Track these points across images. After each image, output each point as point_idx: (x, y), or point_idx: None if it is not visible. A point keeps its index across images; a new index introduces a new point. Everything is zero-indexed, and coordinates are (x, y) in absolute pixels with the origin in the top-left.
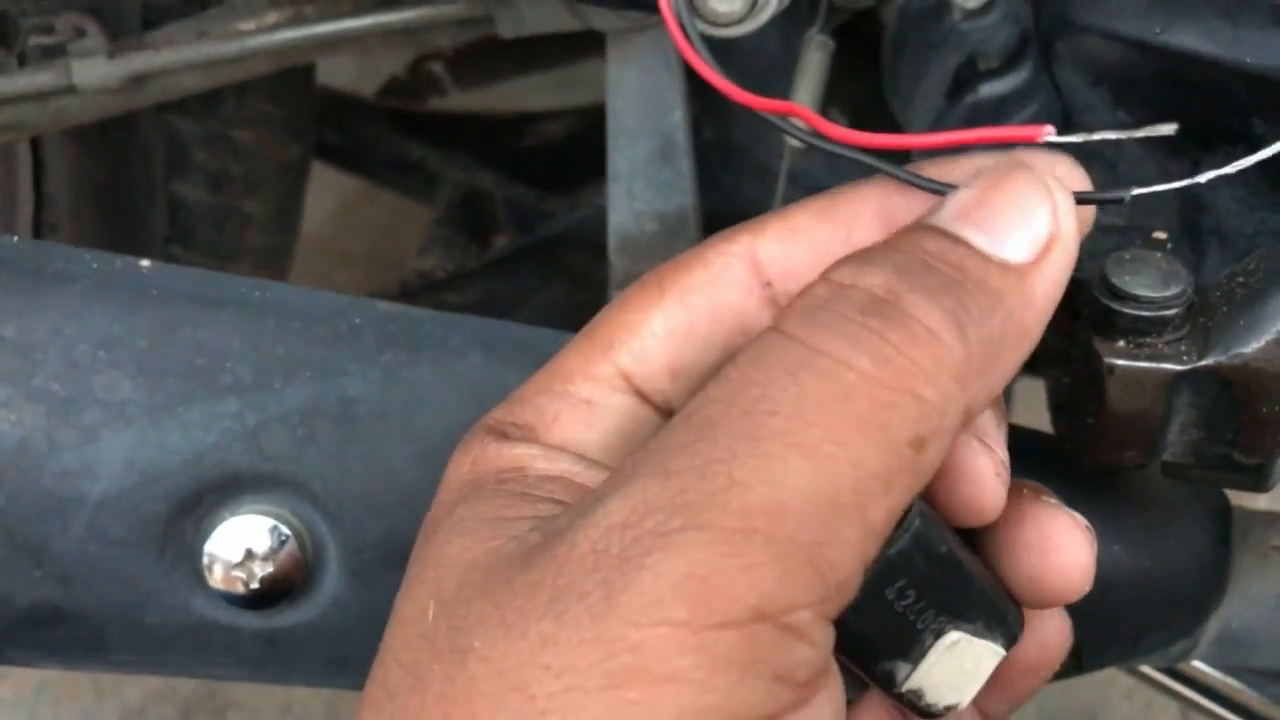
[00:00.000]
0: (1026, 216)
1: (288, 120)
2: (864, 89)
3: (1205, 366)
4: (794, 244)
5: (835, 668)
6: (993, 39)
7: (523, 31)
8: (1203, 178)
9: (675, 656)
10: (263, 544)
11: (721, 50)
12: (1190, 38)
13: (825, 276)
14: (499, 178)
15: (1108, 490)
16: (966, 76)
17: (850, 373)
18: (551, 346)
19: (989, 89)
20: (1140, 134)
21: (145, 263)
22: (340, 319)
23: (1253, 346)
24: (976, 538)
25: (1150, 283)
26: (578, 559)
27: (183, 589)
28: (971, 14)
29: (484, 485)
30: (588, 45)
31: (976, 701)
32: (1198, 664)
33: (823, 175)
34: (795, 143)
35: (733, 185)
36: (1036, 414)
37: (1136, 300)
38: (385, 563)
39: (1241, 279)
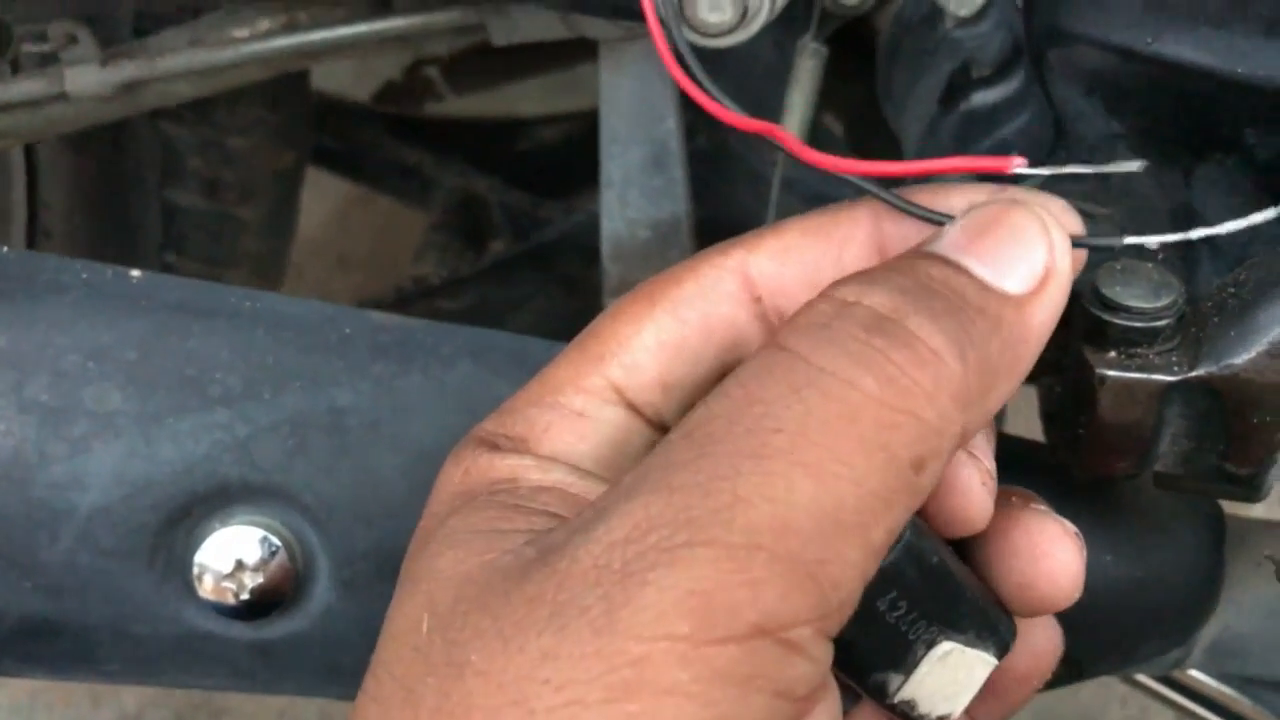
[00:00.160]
0: (1026, 251)
1: (282, 126)
2: (859, 93)
3: (1196, 377)
4: (785, 261)
5: (833, 682)
6: (986, 47)
7: (515, 39)
8: (1194, 234)
9: (676, 670)
10: (253, 555)
11: (714, 59)
12: (1182, 47)
13: (828, 293)
14: (495, 183)
15: (1100, 499)
16: (959, 84)
17: (855, 392)
18: (543, 356)
19: (981, 97)
20: (1108, 169)
21: (135, 273)
22: (330, 329)
23: (1243, 358)
24: (967, 547)
25: (1141, 293)
26: (579, 574)
27: (173, 600)
28: (964, 21)
29: (476, 496)
30: (584, 49)
31: (969, 710)
32: (1193, 672)
33: (817, 182)
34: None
35: (727, 192)
36: (1029, 422)
37: (1128, 311)
38: (376, 573)
39: (1233, 289)
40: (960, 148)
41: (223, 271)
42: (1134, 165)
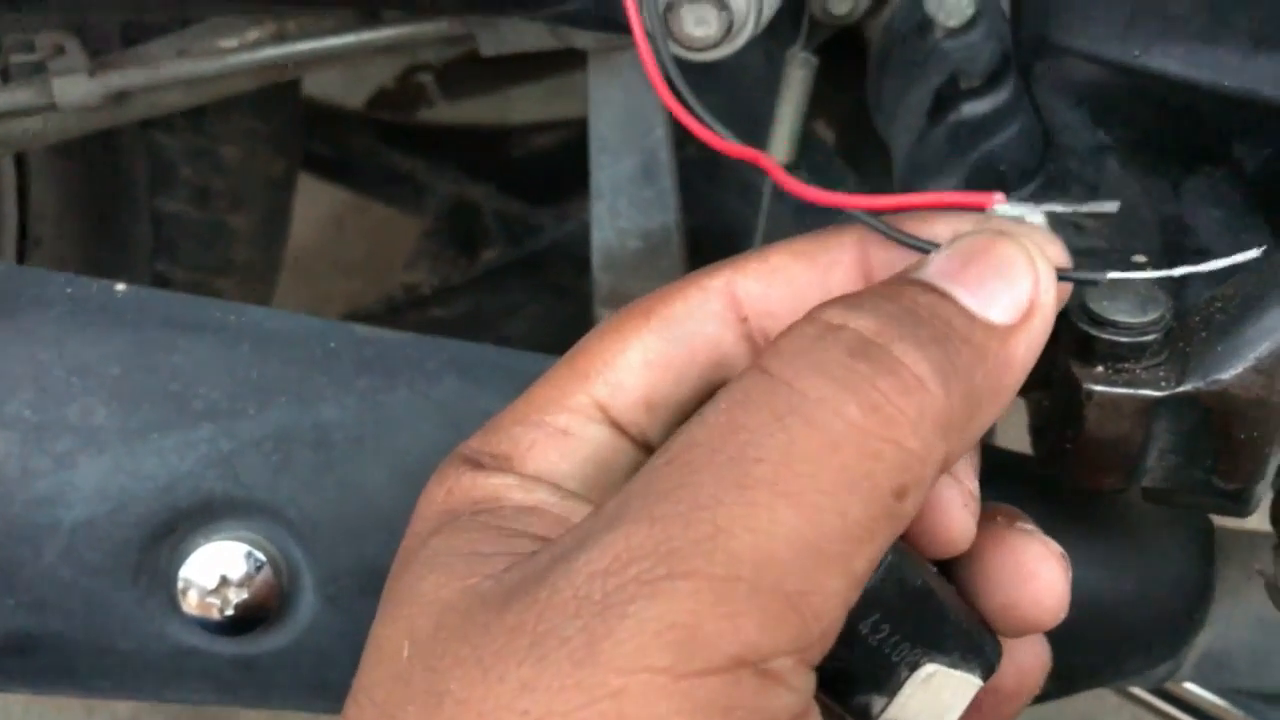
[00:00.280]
0: (1011, 283)
1: (273, 135)
2: (851, 102)
3: (1184, 393)
4: (772, 282)
5: (816, 709)
6: (975, 58)
7: (504, 50)
8: (1177, 271)
9: (657, 702)
10: (237, 570)
11: (703, 71)
12: (1169, 60)
13: (812, 316)
14: (488, 189)
15: (1089, 512)
16: (948, 95)
17: (838, 420)
18: (529, 370)
19: (970, 109)
20: (1085, 209)
21: (120, 287)
22: (316, 343)
23: (1230, 373)
24: (952, 567)
25: (1129, 308)
26: (559, 604)
27: (157, 615)
28: (954, 32)
29: (459, 516)
30: (577, 56)
31: None
32: (1185, 684)
33: None
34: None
35: (718, 201)
36: (1019, 434)
37: (1115, 326)
38: (361, 589)
39: (1220, 304)
40: (949, 158)
41: (214, 280)
42: (1110, 206)
